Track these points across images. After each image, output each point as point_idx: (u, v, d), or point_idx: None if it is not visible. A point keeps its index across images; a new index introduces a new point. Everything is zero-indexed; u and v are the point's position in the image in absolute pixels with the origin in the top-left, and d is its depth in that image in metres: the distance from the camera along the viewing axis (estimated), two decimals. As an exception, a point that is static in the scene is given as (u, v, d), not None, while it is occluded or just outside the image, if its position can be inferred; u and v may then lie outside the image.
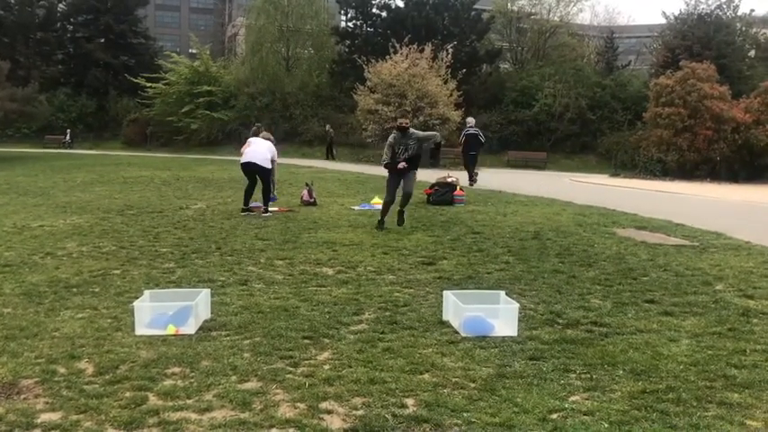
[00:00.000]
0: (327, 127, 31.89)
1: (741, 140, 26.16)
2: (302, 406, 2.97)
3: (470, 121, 17.82)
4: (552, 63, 38.12)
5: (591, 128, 33.64)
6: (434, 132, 7.74)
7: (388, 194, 8.48)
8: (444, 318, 4.37)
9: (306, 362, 3.53)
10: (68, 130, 38.97)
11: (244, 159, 9.80)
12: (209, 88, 35.82)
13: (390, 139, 8.26)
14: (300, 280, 5.49)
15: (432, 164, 17.81)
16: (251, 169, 9.81)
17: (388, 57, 29.23)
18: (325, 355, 3.66)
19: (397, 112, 8.34)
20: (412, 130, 8.33)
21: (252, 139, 10.10)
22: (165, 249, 6.81)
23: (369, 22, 38.03)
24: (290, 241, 7.39)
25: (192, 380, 3.25)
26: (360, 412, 2.91)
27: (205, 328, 4.08)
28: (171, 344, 3.78)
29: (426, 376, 3.36)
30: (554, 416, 2.89)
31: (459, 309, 4.16)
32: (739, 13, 34.81)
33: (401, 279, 5.59)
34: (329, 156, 30.66)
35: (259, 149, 9.82)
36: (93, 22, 44.00)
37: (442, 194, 11.57)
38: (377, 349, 3.73)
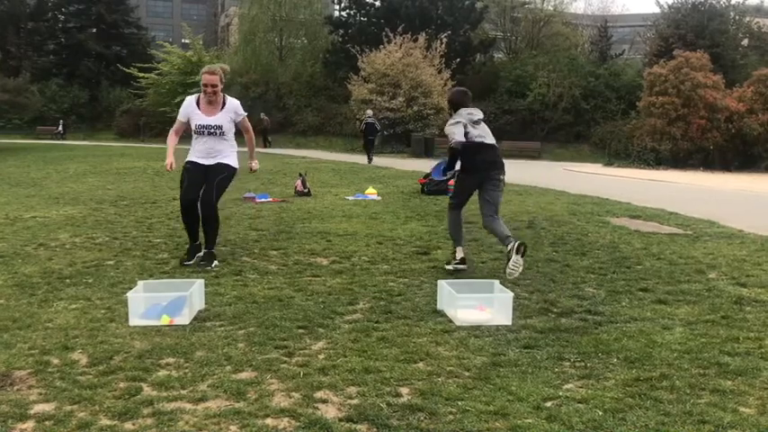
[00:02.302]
0: (262, 115, 31.85)
1: (734, 129, 26.24)
2: (297, 395, 2.96)
3: (369, 112, 22.81)
4: (546, 52, 38.10)
5: (585, 117, 33.67)
6: None
7: None
8: (439, 307, 4.37)
9: (300, 351, 3.53)
10: (61, 121, 38.75)
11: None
12: (201, 78, 35.61)
13: None
14: (295, 270, 5.48)
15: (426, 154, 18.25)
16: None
17: (381, 46, 29.19)
18: (320, 344, 3.65)
19: None
20: None
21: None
22: (158, 240, 6.79)
23: (362, 12, 37.90)
24: (284, 232, 7.38)
25: (187, 370, 3.24)
26: (354, 401, 2.91)
27: (199, 319, 4.07)
28: (165, 334, 3.77)
29: (421, 365, 3.36)
30: (548, 404, 2.90)
31: (453, 298, 4.16)
32: (733, 2, 34.84)
33: (396, 269, 5.59)
34: (265, 144, 30.45)
35: None
36: (85, 11, 43.72)
37: (437, 184, 11.56)
38: (371, 339, 3.73)
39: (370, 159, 21.15)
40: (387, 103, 27.78)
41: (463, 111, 5.66)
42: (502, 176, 5.65)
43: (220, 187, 5.63)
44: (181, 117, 5.73)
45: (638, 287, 5.03)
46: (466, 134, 5.46)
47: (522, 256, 5.16)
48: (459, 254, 5.61)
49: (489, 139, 5.64)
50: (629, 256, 6.20)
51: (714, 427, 2.70)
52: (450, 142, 5.49)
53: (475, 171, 5.59)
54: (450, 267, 5.56)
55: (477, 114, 5.69)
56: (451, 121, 5.59)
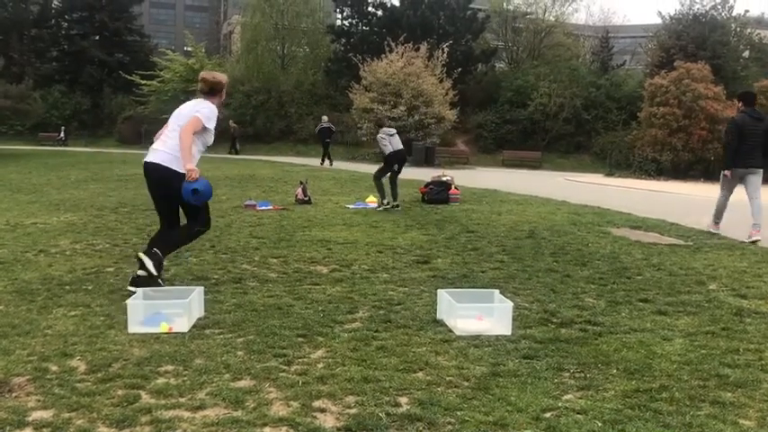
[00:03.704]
0: (231, 122, 31.97)
1: (735, 141, 26.22)
2: (295, 404, 2.96)
3: (324, 118, 24.76)
4: (547, 63, 38.23)
5: (586, 127, 33.76)
6: None
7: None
8: (438, 316, 4.36)
9: (299, 360, 3.52)
10: (63, 128, 38.83)
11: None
12: (204, 86, 35.73)
13: None
14: (294, 278, 5.48)
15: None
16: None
17: (383, 55, 29.26)
18: (319, 353, 3.65)
19: None
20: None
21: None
22: (158, 247, 6.78)
23: (364, 21, 38.07)
24: (285, 239, 7.37)
25: (185, 378, 3.23)
26: (353, 411, 2.90)
27: (198, 326, 4.06)
28: (164, 342, 3.76)
29: (420, 375, 3.35)
30: (547, 414, 2.89)
31: (453, 308, 4.15)
32: (734, 14, 35.02)
33: (395, 277, 5.58)
34: (232, 150, 30.82)
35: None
36: (88, 19, 43.89)
37: (437, 193, 11.58)
38: (371, 348, 3.73)
39: (327, 161, 23.44)
40: (388, 112, 27.82)
41: (385, 129, 11.00)
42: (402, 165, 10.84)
43: None
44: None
45: (638, 298, 5.02)
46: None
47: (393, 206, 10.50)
48: (385, 200, 10.58)
49: (397, 146, 10.68)
50: (629, 267, 6.20)
51: (714, 439, 2.69)
52: (384, 150, 10.60)
53: (390, 163, 10.64)
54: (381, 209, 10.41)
55: (393, 131, 10.86)
56: (380, 137, 10.68)
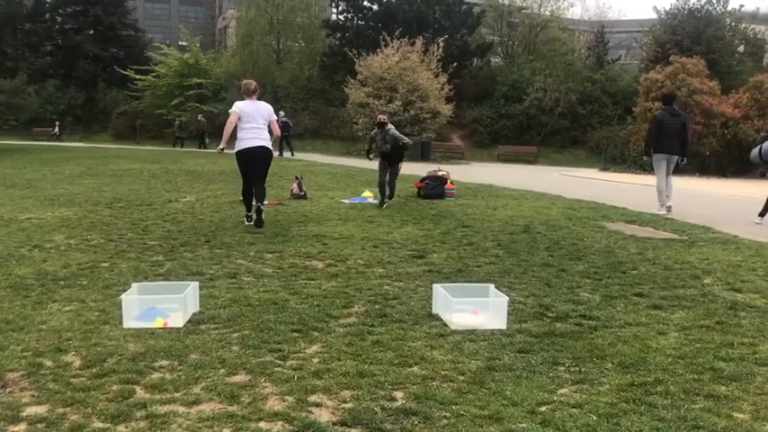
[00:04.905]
0: (199, 116, 32.07)
1: (730, 135, 26.37)
2: (291, 399, 2.96)
3: (282, 113, 25.96)
4: (543, 57, 38.22)
5: (581, 122, 33.78)
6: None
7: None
8: (434, 311, 4.36)
9: (295, 355, 3.52)
10: (57, 123, 38.64)
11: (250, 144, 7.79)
12: (199, 81, 35.65)
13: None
14: (290, 273, 5.47)
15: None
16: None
17: (378, 50, 29.18)
18: (315, 348, 3.65)
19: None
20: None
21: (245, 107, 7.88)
22: (153, 242, 6.77)
23: (360, 15, 38.00)
24: (280, 234, 7.37)
25: (181, 373, 3.23)
26: (349, 405, 2.90)
27: (193, 321, 4.05)
28: (159, 337, 3.75)
29: (415, 369, 3.35)
30: (543, 408, 2.90)
31: (448, 302, 4.15)
32: (729, 9, 35.05)
33: (391, 272, 5.58)
34: (201, 145, 31.20)
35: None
36: (82, 13, 43.62)
37: (433, 188, 11.57)
38: (366, 342, 3.73)
39: (290, 153, 25.81)
40: (383, 106, 27.76)
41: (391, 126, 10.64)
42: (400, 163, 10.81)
43: None
44: None
45: (633, 292, 5.03)
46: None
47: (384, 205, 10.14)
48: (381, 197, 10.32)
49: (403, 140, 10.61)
50: (624, 261, 6.21)
51: (708, 432, 2.69)
52: (405, 140, 10.45)
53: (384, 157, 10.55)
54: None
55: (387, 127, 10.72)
56: (397, 133, 10.36)
